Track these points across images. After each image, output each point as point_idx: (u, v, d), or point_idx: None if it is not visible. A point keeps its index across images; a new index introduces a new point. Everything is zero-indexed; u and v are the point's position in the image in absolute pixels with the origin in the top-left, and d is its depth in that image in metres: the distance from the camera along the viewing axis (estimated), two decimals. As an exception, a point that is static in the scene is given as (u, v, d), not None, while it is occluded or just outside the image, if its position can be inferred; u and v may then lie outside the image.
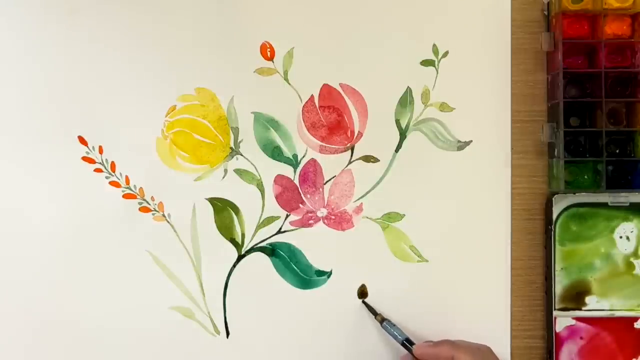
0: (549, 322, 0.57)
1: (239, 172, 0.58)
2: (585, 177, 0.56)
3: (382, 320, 0.57)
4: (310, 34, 0.58)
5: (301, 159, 0.58)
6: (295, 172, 0.58)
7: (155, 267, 0.58)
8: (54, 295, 0.58)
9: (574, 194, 0.57)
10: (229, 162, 0.58)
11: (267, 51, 0.58)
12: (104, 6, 0.58)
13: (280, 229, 0.58)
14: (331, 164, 0.58)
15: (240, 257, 0.58)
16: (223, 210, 0.58)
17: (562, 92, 0.55)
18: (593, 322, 0.57)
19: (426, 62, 0.58)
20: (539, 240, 0.58)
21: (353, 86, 0.58)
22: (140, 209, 0.58)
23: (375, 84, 0.58)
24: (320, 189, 0.58)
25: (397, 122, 0.58)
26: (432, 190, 0.58)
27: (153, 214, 0.58)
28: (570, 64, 0.57)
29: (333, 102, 0.58)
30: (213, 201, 0.58)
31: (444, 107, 0.58)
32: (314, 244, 0.58)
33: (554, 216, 0.57)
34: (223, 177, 0.58)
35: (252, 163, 0.58)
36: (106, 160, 0.58)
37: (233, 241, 0.58)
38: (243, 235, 0.58)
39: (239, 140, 0.58)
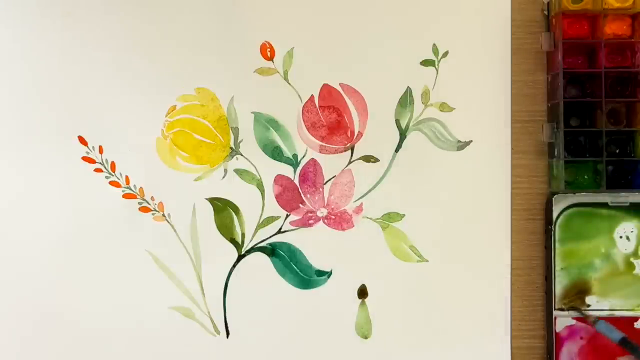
0: (549, 322, 0.57)
1: (239, 172, 0.58)
2: (585, 177, 0.56)
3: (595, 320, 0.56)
4: (310, 34, 0.58)
5: (301, 159, 0.58)
6: (295, 172, 0.58)
7: (155, 267, 0.58)
8: (54, 295, 0.58)
9: (574, 194, 0.57)
10: (229, 162, 0.58)
11: (267, 51, 0.58)
12: (104, 6, 0.58)
13: (280, 229, 0.58)
14: (331, 164, 0.58)
15: (240, 257, 0.58)
16: (223, 210, 0.58)
17: (562, 92, 0.55)
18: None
19: (426, 62, 0.58)
20: (539, 240, 0.58)
21: (353, 86, 0.58)
22: (140, 209, 0.58)
23: (375, 84, 0.58)
24: (320, 189, 0.58)
25: (397, 122, 0.58)
26: (432, 190, 0.58)
27: (153, 214, 0.58)
28: (570, 64, 0.57)
29: (333, 102, 0.58)
30: (213, 201, 0.58)
31: (444, 107, 0.58)
32: (314, 244, 0.58)
33: (554, 216, 0.57)
34: (223, 177, 0.58)
35: (252, 163, 0.58)
36: (106, 160, 0.58)
37: (233, 241, 0.58)
38: (243, 235, 0.58)
39: (239, 140, 0.58)
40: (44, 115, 0.58)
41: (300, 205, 0.58)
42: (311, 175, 0.58)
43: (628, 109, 0.57)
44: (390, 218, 0.58)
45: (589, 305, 0.57)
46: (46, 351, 0.58)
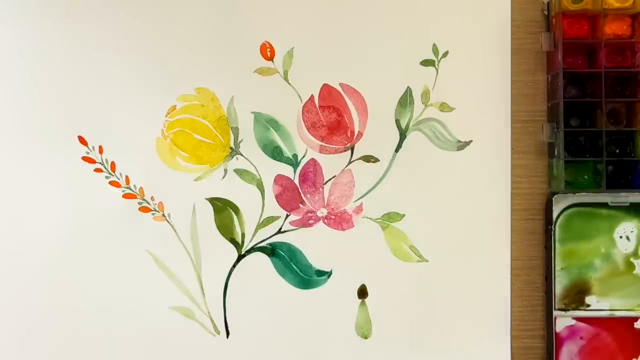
0: (549, 322, 0.57)
1: (239, 172, 0.58)
2: (585, 177, 0.56)
3: None
4: (310, 34, 0.58)
5: (301, 159, 0.58)
6: (295, 172, 0.58)
7: (155, 267, 0.58)
8: (53, 294, 0.58)
9: (574, 194, 0.57)
10: (229, 162, 0.58)
11: (267, 51, 0.58)
12: (104, 6, 0.58)
13: (280, 229, 0.58)
14: (331, 163, 0.58)
15: (240, 257, 0.58)
16: (223, 210, 0.58)
17: (562, 92, 0.55)
18: (593, 322, 0.57)
19: (426, 62, 0.58)
20: (539, 240, 0.58)
21: (353, 86, 0.58)
22: (140, 209, 0.58)
23: (375, 84, 0.58)
24: (320, 189, 0.58)
25: (397, 122, 0.58)
26: (432, 190, 0.58)
27: (153, 214, 0.58)
28: (570, 64, 0.57)
29: (333, 102, 0.58)
30: (213, 201, 0.58)
31: (444, 107, 0.58)
32: (314, 244, 0.58)
33: (554, 216, 0.57)
34: (223, 177, 0.58)
35: (252, 163, 0.58)
36: (106, 160, 0.58)
37: (233, 241, 0.58)
38: (243, 235, 0.58)
39: (239, 140, 0.58)
40: (44, 115, 0.58)
41: (300, 205, 0.58)
42: (311, 175, 0.58)
43: (628, 109, 0.57)
44: (390, 218, 0.58)
45: (588, 305, 0.57)
46: (46, 351, 0.58)
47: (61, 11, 0.58)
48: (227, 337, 0.58)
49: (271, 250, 0.58)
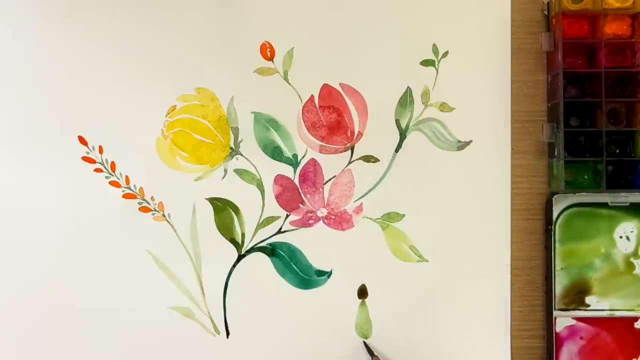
0: (549, 322, 0.57)
1: (239, 172, 0.58)
2: (585, 177, 0.56)
3: None
4: (310, 34, 0.58)
5: (301, 159, 0.58)
6: (295, 172, 0.58)
7: (155, 267, 0.58)
8: (54, 294, 0.58)
9: (574, 194, 0.57)
10: (229, 162, 0.58)
11: (267, 51, 0.58)
12: (104, 6, 0.58)
13: (280, 229, 0.58)
14: (331, 163, 0.58)
15: (240, 257, 0.58)
16: (223, 210, 0.58)
17: (562, 92, 0.55)
18: (593, 322, 0.57)
19: (426, 62, 0.58)
20: (539, 240, 0.58)
21: (353, 86, 0.58)
22: (140, 209, 0.58)
23: (375, 84, 0.58)
24: (320, 189, 0.58)
25: (397, 122, 0.58)
26: (432, 190, 0.58)
27: (153, 214, 0.58)
28: (570, 64, 0.57)
29: (333, 102, 0.58)
30: (213, 201, 0.58)
31: (444, 107, 0.58)
32: (314, 244, 0.58)
33: (554, 216, 0.57)
34: (223, 177, 0.58)
35: (252, 163, 0.58)
36: (106, 160, 0.58)
37: (233, 241, 0.58)
38: (243, 235, 0.58)
39: (239, 140, 0.58)
40: (44, 115, 0.58)
41: (300, 205, 0.58)
42: (311, 175, 0.58)
43: (628, 109, 0.57)
44: (390, 218, 0.58)
45: (588, 305, 0.57)
46: (46, 351, 0.58)
47: (62, 12, 0.58)
48: (227, 337, 0.58)
49: (271, 250, 0.58)
